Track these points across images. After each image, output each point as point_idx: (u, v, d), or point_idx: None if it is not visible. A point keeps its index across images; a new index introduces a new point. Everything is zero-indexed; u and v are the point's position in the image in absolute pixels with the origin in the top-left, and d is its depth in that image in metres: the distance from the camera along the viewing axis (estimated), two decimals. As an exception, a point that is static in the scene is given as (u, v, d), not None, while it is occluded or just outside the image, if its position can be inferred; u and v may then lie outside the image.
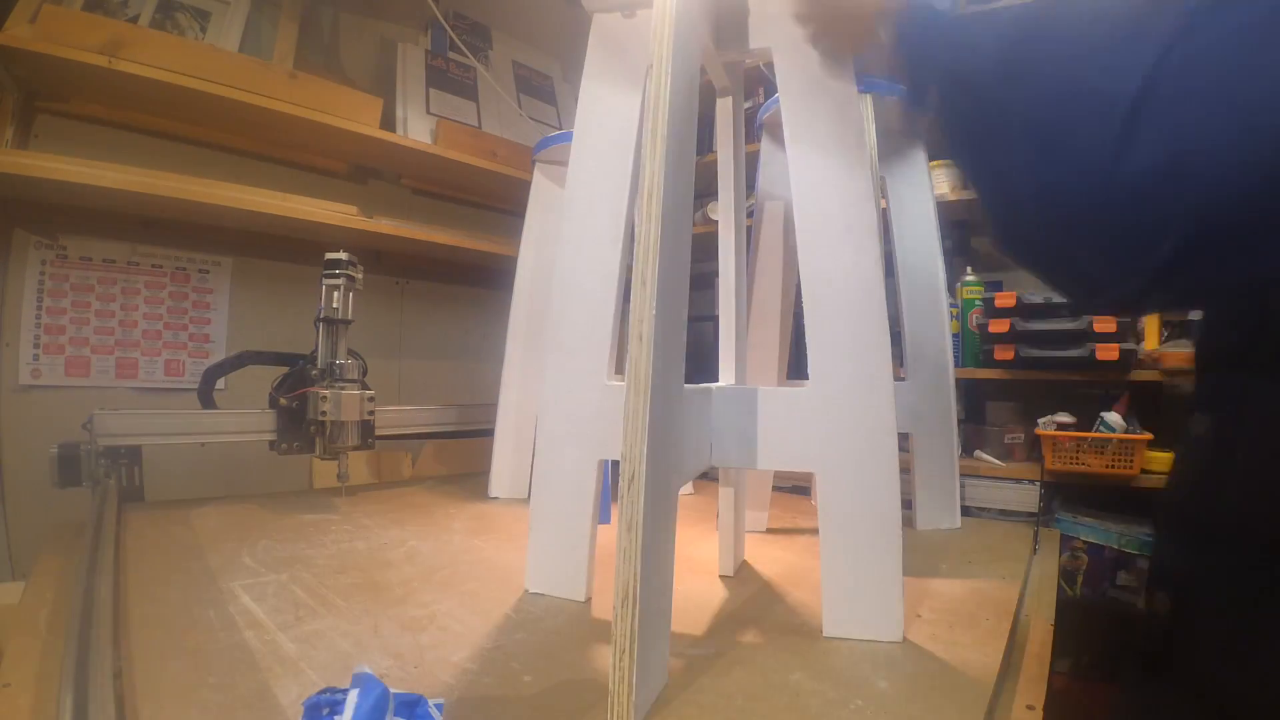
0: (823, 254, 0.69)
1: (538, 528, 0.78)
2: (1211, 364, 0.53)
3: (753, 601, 0.78)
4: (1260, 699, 0.44)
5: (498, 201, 2.10)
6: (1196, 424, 0.53)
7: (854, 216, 0.68)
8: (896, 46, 0.56)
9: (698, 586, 0.83)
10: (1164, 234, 0.38)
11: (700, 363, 0.81)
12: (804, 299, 0.70)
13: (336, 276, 1.22)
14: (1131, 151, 0.37)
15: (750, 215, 0.98)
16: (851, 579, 0.67)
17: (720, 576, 0.87)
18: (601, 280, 0.75)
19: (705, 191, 2.53)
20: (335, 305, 1.23)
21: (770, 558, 0.96)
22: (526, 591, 0.78)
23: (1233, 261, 0.38)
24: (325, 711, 0.44)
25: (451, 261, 1.95)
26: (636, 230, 0.57)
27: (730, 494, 0.88)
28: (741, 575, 0.88)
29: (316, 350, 1.25)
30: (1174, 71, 0.36)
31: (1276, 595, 0.44)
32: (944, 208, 1.77)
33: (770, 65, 0.74)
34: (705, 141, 2.42)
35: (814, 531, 0.77)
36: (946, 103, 0.50)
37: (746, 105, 1.08)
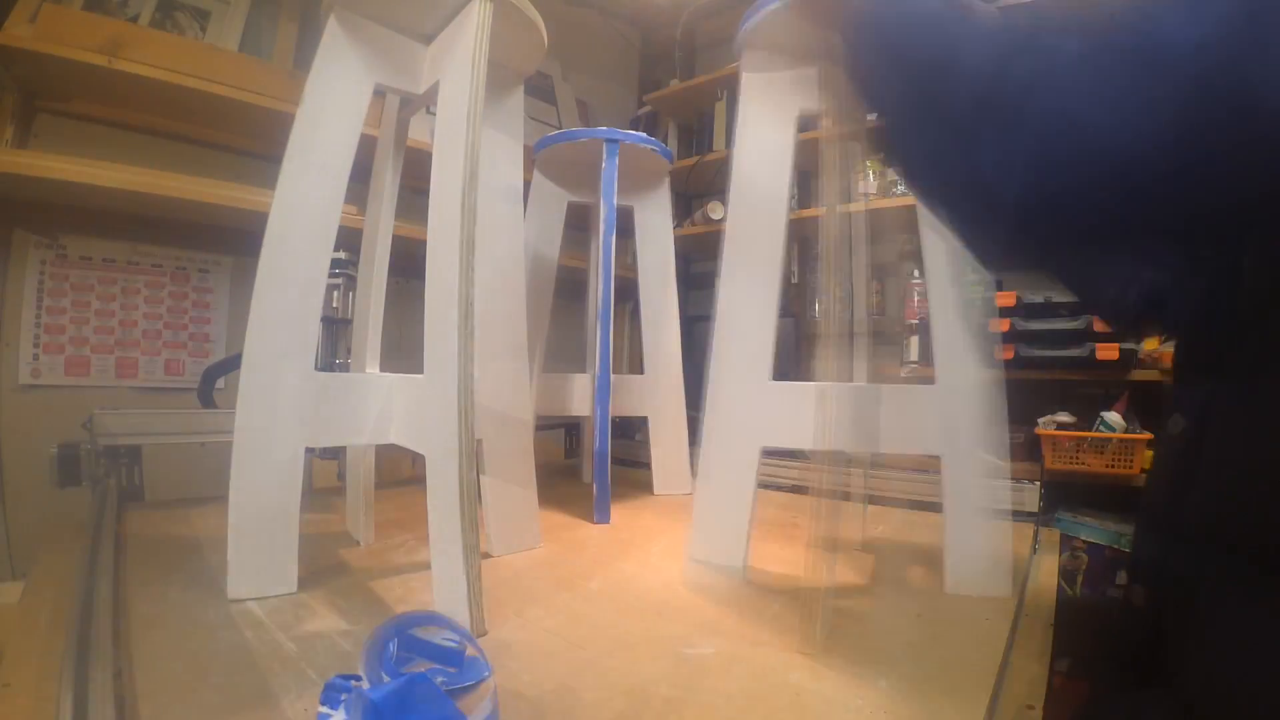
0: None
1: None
2: (1188, 369, 0.56)
3: (750, 601, 0.78)
4: (1234, 698, 0.45)
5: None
6: (1173, 425, 0.56)
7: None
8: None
9: (690, 584, 0.83)
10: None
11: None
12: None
13: (336, 276, 1.23)
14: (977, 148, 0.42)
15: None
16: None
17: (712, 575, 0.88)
18: (762, 299, 0.87)
19: (705, 191, 2.54)
20: (335, 305, 1.23)
21: (770, 555, 0.96)
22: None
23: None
24: (343, 697, 0.44)
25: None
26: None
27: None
28: (733, 573, 0.88)
29: (317, 350, 1.25)
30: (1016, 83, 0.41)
31: (1247, 597, 0.46)
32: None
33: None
34: (705, 141, 2.43)
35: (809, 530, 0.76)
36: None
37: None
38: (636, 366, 1.53)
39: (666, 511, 1.26)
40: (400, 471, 1.73)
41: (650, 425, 1.42)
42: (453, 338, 0.69)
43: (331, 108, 0.80)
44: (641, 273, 1.44)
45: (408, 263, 0.97)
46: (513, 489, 0.97)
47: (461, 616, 0.65)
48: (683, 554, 0.97)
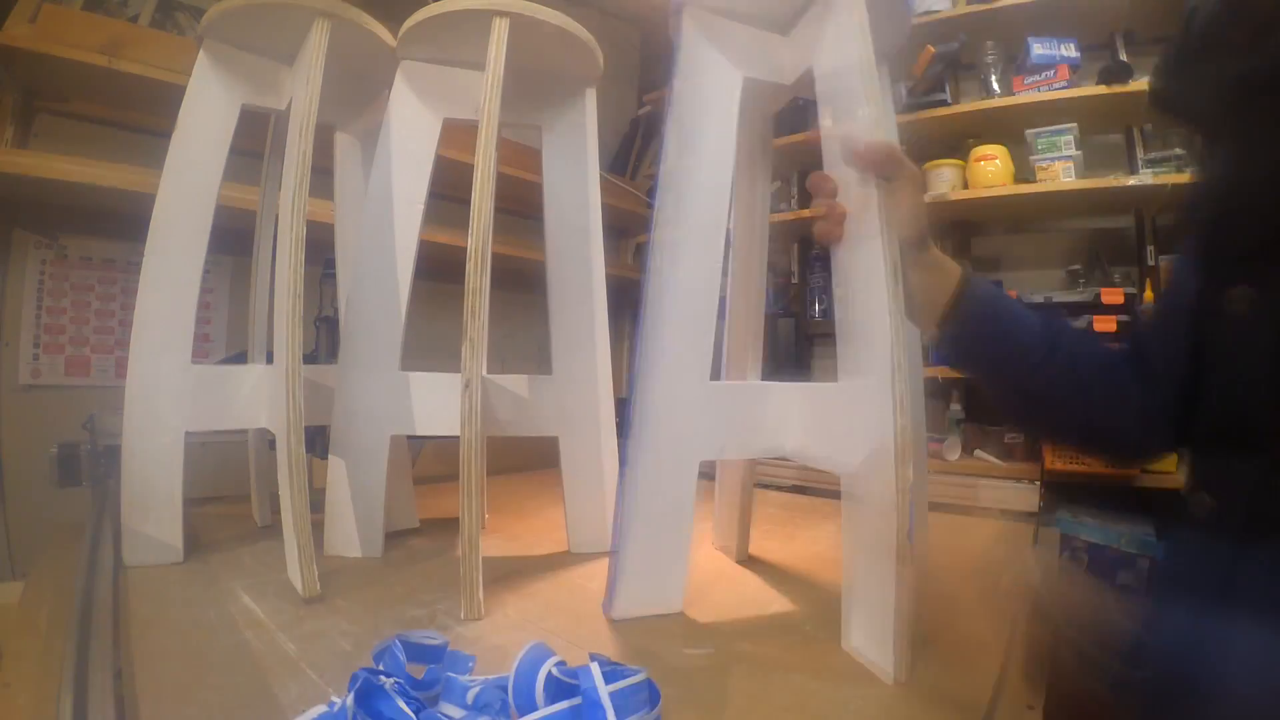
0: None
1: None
2: (1216, 441, 0.49)
3: (751, 600, 0.78)
4: None
5: (499, 201, 2.09)
6: (1196, 505, 0.50)
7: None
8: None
9: (689, 583, 0.83)
10: None
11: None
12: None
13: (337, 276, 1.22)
14: None
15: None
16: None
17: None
18: (704, 289, 0.72)
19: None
20: (336, 305, 1.23)
21: (770, 553, 0.96)
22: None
23: None
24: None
25: (451, 261, 1.94)
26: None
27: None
28: (740, 573, 0.88)
29: (316, 350, 1.25)
30: None
31: None
32: (944, 208, 1.77)
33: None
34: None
35: (808, 530, 0.76)
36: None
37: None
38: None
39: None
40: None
41: (561, 450, 0.97)
42: (283, 332, 0.78)
43: (200, 130, 0.91)
44: (549, 223, 0.99)
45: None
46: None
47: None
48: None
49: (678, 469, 0.71)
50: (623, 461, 0.71)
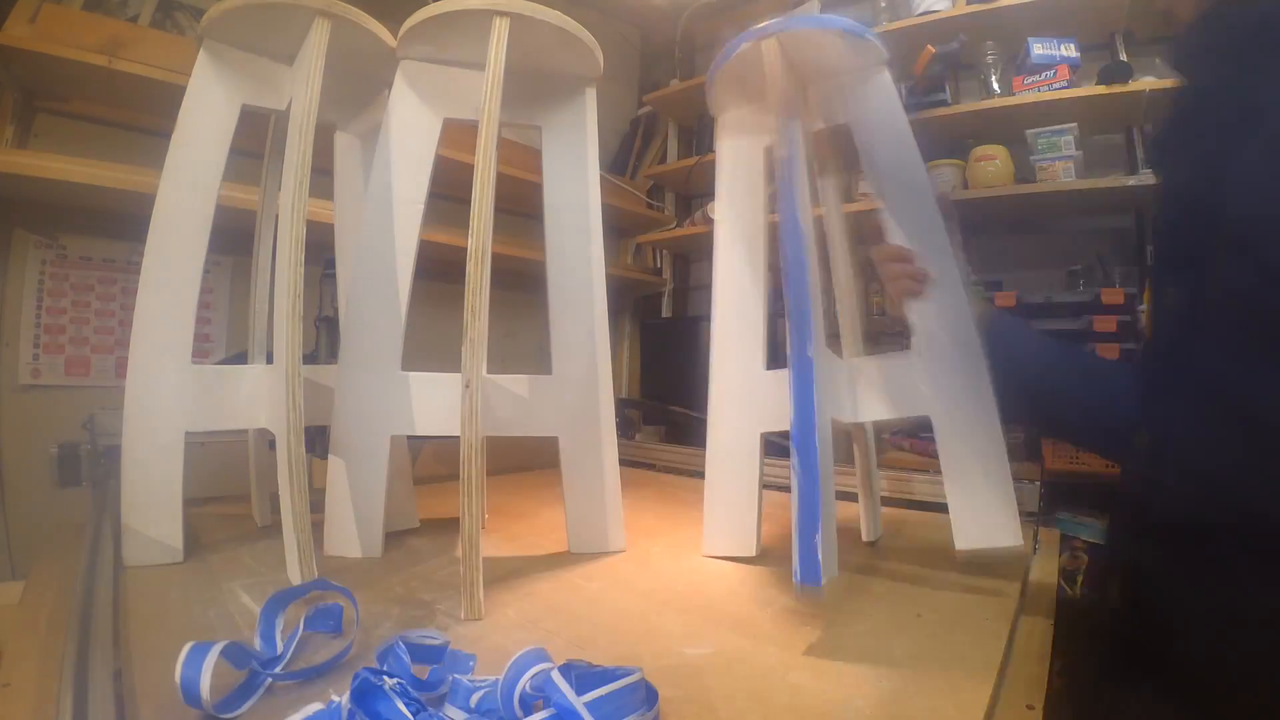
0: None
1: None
2: (1154, 390, 0.65)
3: (750, 598, 0.78)
4: (1228, 679, 0.53)
5: (499, 201, 2.09)
6: (1139, 438, 0.65)
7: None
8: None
9: (690, 584, 0.83)
10: None
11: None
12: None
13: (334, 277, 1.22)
14: None
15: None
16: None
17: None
18: (751, 285, 0.96)
19: (706, 191, 2.54)
20: (336, 305, 1.23)
21: (772, 555, 0.96)
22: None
23: None
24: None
25: (451, 261, 1.94)
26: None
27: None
28: (733, 572, 0.88)
29: (316, 350, 1.25)
30: None
31: (1218, 578, 0.54)
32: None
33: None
34: (705, 141, 2.42)
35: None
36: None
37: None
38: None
39: (667, 513, 1.26)
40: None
41: (561, 450, 0.96)
42: (283, 332, 0.79)
43: (200, 130, 0.91)
44: (549, 223, 0.98)
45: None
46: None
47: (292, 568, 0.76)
48: (685, 553, 0.97)
49: (746, 437, 0.92)
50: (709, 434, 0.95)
